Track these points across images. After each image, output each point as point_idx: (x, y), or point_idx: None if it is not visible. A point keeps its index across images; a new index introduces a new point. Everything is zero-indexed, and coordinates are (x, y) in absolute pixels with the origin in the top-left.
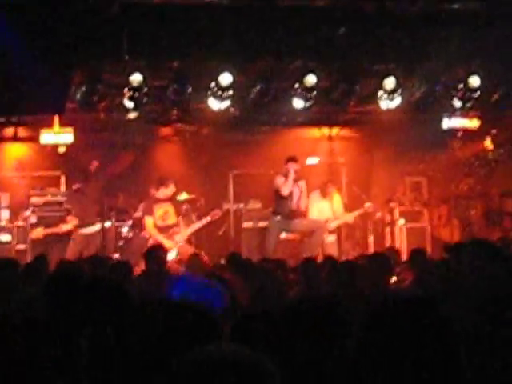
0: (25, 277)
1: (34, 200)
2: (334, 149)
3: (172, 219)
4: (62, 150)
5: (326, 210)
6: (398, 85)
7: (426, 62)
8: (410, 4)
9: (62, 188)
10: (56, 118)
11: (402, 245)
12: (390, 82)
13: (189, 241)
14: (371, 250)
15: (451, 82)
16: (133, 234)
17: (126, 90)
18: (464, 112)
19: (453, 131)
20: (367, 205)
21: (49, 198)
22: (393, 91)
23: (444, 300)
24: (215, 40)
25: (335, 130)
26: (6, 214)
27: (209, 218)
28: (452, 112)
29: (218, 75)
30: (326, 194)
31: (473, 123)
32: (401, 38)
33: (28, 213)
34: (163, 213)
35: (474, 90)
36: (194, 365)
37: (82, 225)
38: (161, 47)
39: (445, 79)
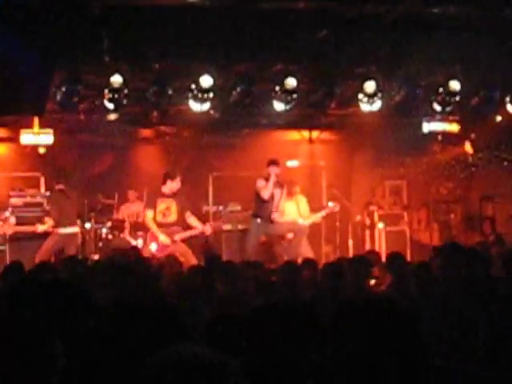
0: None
1: (14, 201)
2: (314, 152)
3: (173, 216)
4: (42, 150)
5: (292, 212)
6: (378, 88)
7: (406, 66)
8: (390, 8)
9: (42, 189)
10: (36, 119)
11: (382, 248)
12: (370, 86)
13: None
14: (351, 253)
15: (431, 85)
16: (112, 235)
17: (106, 91)
18: (444, 116)
19: (433, 135)
20: (331, 204)
21: (28, 199)
22: (373, 94)
23: (420, 303)
24: (196, 42)
25: (315, 133)
26: None
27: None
28: (432, 116)
29: (199, 77)
30: (291, 194)
31: (452, 127)
32: (381, 42)
33: (7, 213)
34: (165, 208)
35: (454, 94)
36: (160, 366)
37: (60, 225)
38: (141, 49)
39: (425, 83)
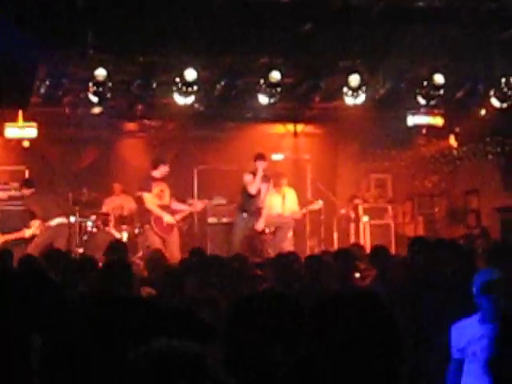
0: None
1: None
2: (298, 145)
3: (166, 199)
4: (26, 144)
5: (277, 205)
6: (363, 82)
7: (390, 59)
8: (375, 1)
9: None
10: (20, 113)
11: (366, 241)
12: (354, 79)
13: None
14: (336, 246)
15: (415, 79)
16: (97, 228)
17: (90, 84)
18: (428, 109)
19: (417, 128)
20: (319, 203)
21: (12, 192)
22: (357, 88)
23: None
24: (180, 35)
25: (300, 127)
26: None
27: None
28: (416, 109)
29: (183, 71)
30: (278, 186)
31: (437, 120)
32: (365, 35)
33: None
34: (159, 191)
35: (439, 87)
36: (140, 360)
37: (47, 219)
38: (125, 42)
39: (409, 76)
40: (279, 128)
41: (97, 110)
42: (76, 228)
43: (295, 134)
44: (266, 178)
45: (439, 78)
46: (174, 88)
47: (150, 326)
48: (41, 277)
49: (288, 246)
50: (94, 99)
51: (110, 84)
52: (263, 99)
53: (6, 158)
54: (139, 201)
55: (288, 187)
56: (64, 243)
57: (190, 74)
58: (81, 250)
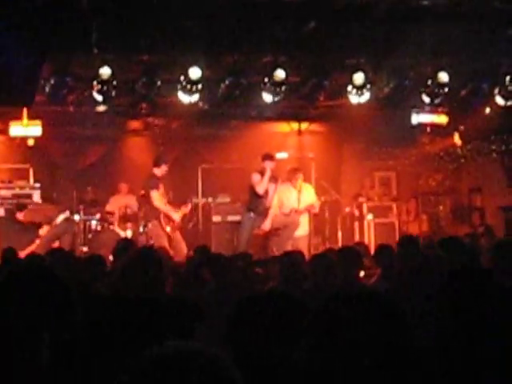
0: None
1: (3, 193)
2: (303, 143)
3: (165, 198)
4: (30, 142)
5: (292, 199)
6: (367, 80)
7: (394, 58)
8: None
9: (31, 181)
10: (25, 111)
11: (371, 240)
12: (359, 77)
13: None
14: (340, 245)
15: (420, 77)
16: (101, 227)
17: (95, 83)
18: (433, 108)
19: (422, 127)
20: (316, 203)
21: (17, 190)
22: (362, 86)
23: (408, 294)
24: (184, 34)
25: (304, 125)
26: None
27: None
28: (421, 107)
29: (188, 69)
30: (295, 181)
31: (441, 119)
32: (370, 33)
33: None
34: (163, 190)
35: (443, 85)
36: (152, 361)
37: (53, 219)
38: (130, 40)
39: (414, 75)
40: (283, 126)
41: (101, 108)
42: (80, 226)
43: (299, 132)
44: (273, 179)
45: (444, 77)
46: (179, 86)
47: (161, 327)
48: (48, 275)
49: (300, 244)
50: (99, 98)
51: (114, 82)
52: (267, 97)
53: (11, 157)
54: (144, 199)
55: (305, 183)
56: (70, 240)
57: (195, 73)
58: (85, 249)
